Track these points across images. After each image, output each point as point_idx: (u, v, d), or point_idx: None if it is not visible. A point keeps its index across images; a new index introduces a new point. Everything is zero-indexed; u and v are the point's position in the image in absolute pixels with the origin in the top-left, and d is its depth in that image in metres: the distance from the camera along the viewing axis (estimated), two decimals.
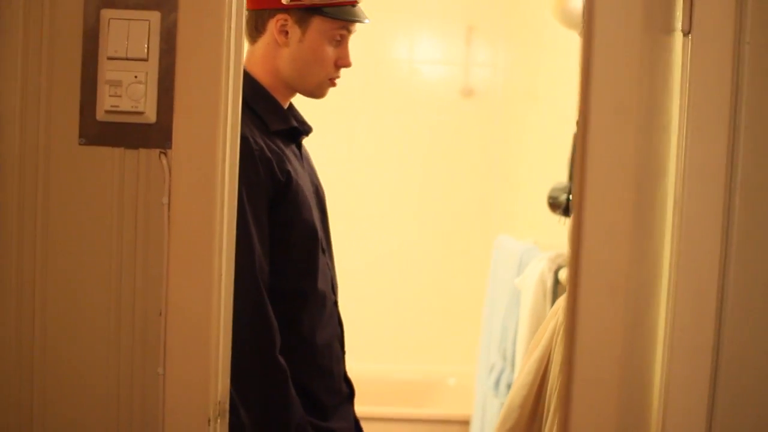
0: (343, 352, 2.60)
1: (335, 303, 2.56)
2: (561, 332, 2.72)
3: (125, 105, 1.69)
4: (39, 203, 1.73)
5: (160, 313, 1.74)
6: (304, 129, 2.51)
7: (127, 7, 1.71)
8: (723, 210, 1.63)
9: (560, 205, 3.65)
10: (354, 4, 2.44)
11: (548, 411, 2.72)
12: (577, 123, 1.69)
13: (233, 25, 1.74)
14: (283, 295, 2.34)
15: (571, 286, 1.65)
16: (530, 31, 5.17)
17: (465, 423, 4.63)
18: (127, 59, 1.70)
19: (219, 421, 1.79)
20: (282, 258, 2.35)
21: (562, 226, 3.64)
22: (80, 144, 1.71)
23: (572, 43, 4.21)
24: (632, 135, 1.60)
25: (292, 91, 2.48)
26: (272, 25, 2.39)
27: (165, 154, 1.71)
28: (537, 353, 2.80)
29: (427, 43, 5.45)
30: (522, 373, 2.82)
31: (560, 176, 4.05)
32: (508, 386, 3.87)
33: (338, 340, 2.57)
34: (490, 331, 4.31)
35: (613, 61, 1.62)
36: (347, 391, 2.58)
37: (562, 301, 2.84)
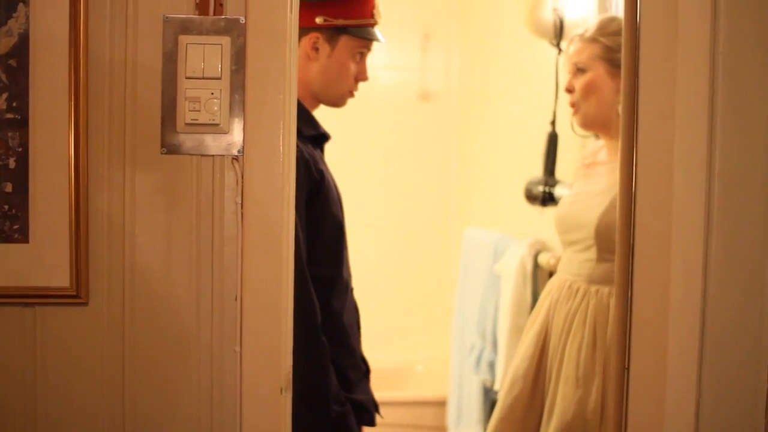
0: (360, 333, 2.87)
1: (353, 290, 2.84)
2: (557, 308, 3.00)
3: (204, 118, 1.89)
4: (126, 206, 1.91)
5: (236, 298, 1.93)
6: (328, 135, 2.79)
7: (200, 33, 1.89)
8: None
9: (537, 197, 3.93)
10: (374, 25, 2.72)
11: (550, 377, 2.99)
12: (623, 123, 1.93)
13: (292, 46, 1.96)
14: (315, 281, 2.58)
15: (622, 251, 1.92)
16: (483, 38, 5.36)
17: (439, 403, 4.90)
18: (203, 78, 1.90)
19: (287, 391, 1.98)
20: (315, 247, 2.60)
21: (540, 215, 3.93)
22: (162, 153, 1.91)
23: (522, 48, 4.50)
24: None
25: (318, 102, 2.76)
26: (305, 42, 2.66)
27: (237, 159, 1.91)
28: (535, 328, 3.07)
29: (385, 51, 5.63)
30: (522, 347, 3.09)
31: (516, 172, 4.33)
32: (489, 363, 4.14)
33: (356, 323, 2.84)
34: (465, 316, 4.57)
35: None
36: (365, 368, 2.86)
37: (553, 281, 3.12)
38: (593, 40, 3.02)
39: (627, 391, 1.86)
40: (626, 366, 1.85)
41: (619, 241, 1.92)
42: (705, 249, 1.92)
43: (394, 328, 5.69)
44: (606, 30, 3.02)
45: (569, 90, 3.10)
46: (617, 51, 2.93)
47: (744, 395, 1.96)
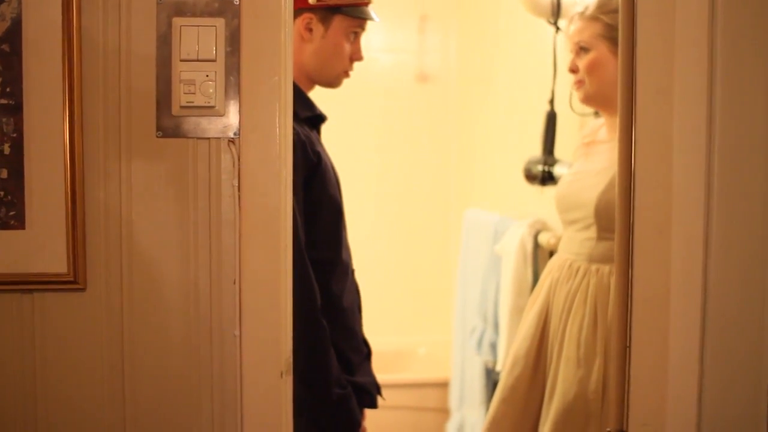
0: (361, 315, 2.86)
1: (353, 272, 2.83)
2: (557, 288, 3.00)
3: (199, 101, 1.88)
4: (123, 191, 1.90)
5: (235, 282, 1.92)
6: (324, 116, 2.77)
7: (194, 15, 1.89)
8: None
9: (536, 176, 3.92)
10: (367, 4, 2.71)
11: (551, 357, 2.99)
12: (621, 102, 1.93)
13: (287, 28, 1.94)
14: (314, 264, 2.57)
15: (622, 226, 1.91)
16: (480, 18, 5.36)
17: (442, 385, 4.91)
18: (198, 60, 1.89)
19: (288, 375, 1.98)
20: (313, 230, 2.59)
21: (540, 195, 3.92)
22: (157, 137, 1.89)
23: (519, 28, 4.48)
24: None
25: (313, 83, 2.74)
26: (298, 23, 2.64)
27: (233, 142, 1.90)
28: (536, 308, 3.06)
29: (382, 33, 5.64)
30: (523, 327, 3.09)
31: (515, 153, 4.33)
32: (491, 344, 4.14)
33: (357, 305, 2.83)
34: (466, 298, 4.57)
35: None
36: (366, 350, 2.85)
37: (554, 260, 3.12)
38: (594, 18, 3.01)
39: (628, 371, 1.85)
40: (628, 345, 1.84)
41: (618, 220, 1.91)
42: (705, 226, 1.91)
43: (396, 311, 5.71)
44: (606, 7, 3.00)
45: (573, 70, 3.09)
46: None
47: (747, 372, 1.96)
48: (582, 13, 3.07)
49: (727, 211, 1.91)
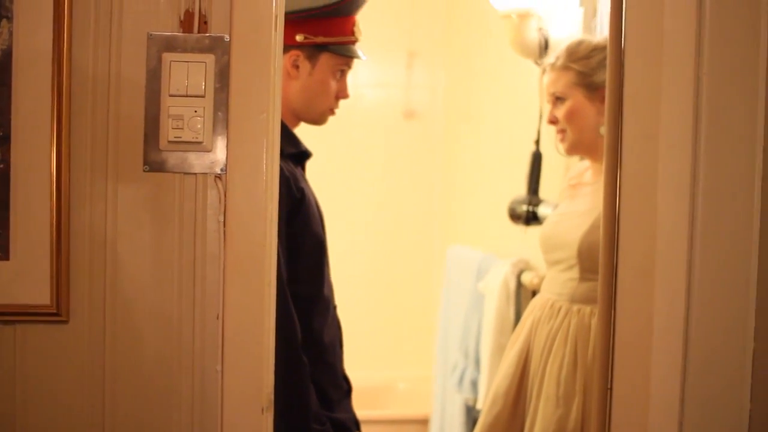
0: (342, 352, 2.86)
1: (335, 308, 2.83)
2: (539, 327, 3.01)
3: (187, 136, 1.88)
4: (108, 224, 1.90)
5: (218, 317, 1.92)
6: (309, 153, 2.78)
7: (185, 50, 1.89)
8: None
9: (520, 216, 3.94)
10: (354, 42, 2.72)
11: (531, 396, 3.00)
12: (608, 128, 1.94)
13: (276, 65, 1.94)
14: (295, 299, 2.57)
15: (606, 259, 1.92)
16: (468, 56, 5.38)
17: (422, 421, 4.90)
18: (187, 96, 1.89)
19: (269, 411, 1.97)
20: (295, 266, 2.59)
21: (524, 234, 3.93)
22: (144, 171, 1.90)
23: (507, 67, 4.51)
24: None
25: (298, 120, 2.75)
26: (285, 60, 2.65)
27: (220, 178, 1.90)
28: (517, 346, 3.08)
29: (370, 68, 5.65)
30: (504, 365, 3.10)
31: (500, 192, 4.34)
32: (472, 382, 4.15)
33: (338, 341, 2.84)
34: (448, 334, 4.58)
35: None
36: (346, 387, 2.85)
37: (536, 300, 3.14)
38: (565, 67, 3.05)
39: (610, 412, 1.85)
40: (609, 387, 1.85)
41: (602, 262, 1.92)
42: (688, 270, 1.92)
43: (378, 346, 5.70)
44: (576, 55, 3.04)
45: (552, 121, 3.13)
46: (591, 75, 2.97)
47: (727, 419, 1.96)
48: (553, 64, 3.11)
49: (710, 256, 1.92)
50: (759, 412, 2.03)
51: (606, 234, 1.92)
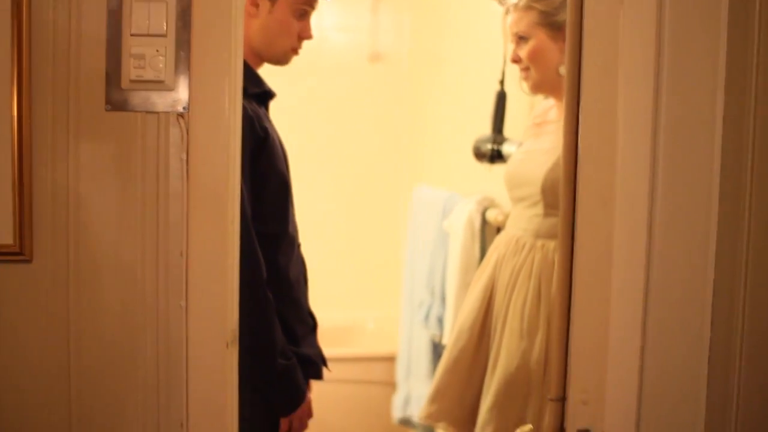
0: (307, 288, 2.89)
1: (299, 245, 2.85)
2: (503, 263, 3.05)
3: (149, 75, 1.89)
4: (70, 164, 1.91)
5: (182, 254, 1.94)
6: (272, 93, 2.78)
7: None
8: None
9: (485, 154, 3.96)
10: None
11: (495, 330, 3.04)
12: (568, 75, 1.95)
13: (238, 3, 1.95)
14: (260, 237, 2.59)
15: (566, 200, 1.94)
16: None
17: (389, 359, 4.95)
18: (148, 35, 1.90)
19: (233, 345, 2.00)
20: (260, 204, 2.60)
21: (489, 173, 3.96)
22: (107, 110, 1.90)
23: (471, 9, 4.51)
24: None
25: (261, 60, 2.75)
26: None
27: (182, 116, 1.91)
28: (482, 282, 3.11)
29: (335, 11, 5.62)
30: (469, 301, 3.13)
31: (465, 132, 4.35)
32: (438, 319, 4.19)
33: (303, 278, 2.86)
34: (414, 273, 4.61)
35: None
36: (312, 323, 2.88)
37: (501, 236, 3.17)
38: (528, 7, 3.06)
39: (569, 340, 1.88)
40: (569, 315, 1.87)
41: (563, 195, 1.93)
42: (650, 201, 1.94)
43: (346, 287, 5.74)
44: None
45: (515, 60, 3.14)
46: (554, 14, 2.98)
47: (689, 343, 2.00)
48: (516, 4, 3.12)
49: (672, 187, 1.94)
50: (719, 332, 2.07)
51: (566, 166, 1.93)
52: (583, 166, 1.92)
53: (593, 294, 1.88)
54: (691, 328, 2.02)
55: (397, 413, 4.68)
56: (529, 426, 1.88)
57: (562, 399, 1.80)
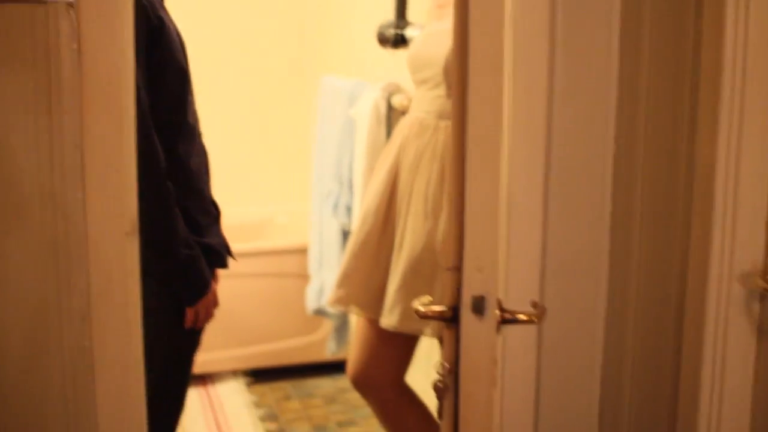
0: (209, 178, 2.87)
1: (200, 135, 2.83)
2: (407, 145, 3.06)
3: None
4: None
5: (77, 146, 1.91)
6: None
7: None
8: None
9: (389, 39, 3.96)
10: None
11: (400, 212, 3.05)
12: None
13: None
14: (159, 127, 2.57)
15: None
16: None
17: (301, 251, 4.97)
18: None
19: (133, 235, 2.00)
20: (158, 95, 2.57)
21: (393, 58, 3.96)
22: None
23: None
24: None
25: None
26: None
27: (72, 5, 1.86)
28: (386, 165, 3.12)
29: None
30: (374, 184, 3.14)
31: (369, 18, 4.34)
32: (346, 207, 4.22)
33: (205, 168, 2.84)
34: (322, 163, 4.62)
35: None
36: (215, 213, 2.87)
37: (405, 119, 3.17)
38: None
39: (463, 212, 1.88)
40: (463, 189, 1.87)
41: (456, 69, 1.93)
42: (549, 70, 1.95)
43: (254, 181, 5.73)
44: None
45: None
46: None
47: (590, 205, 2.02)
48: None
49: (570, 54, 1.94)
50: (618, 205, 2.11)
51: (457, 39, 1.92)
52: (474, 35, 1.90)
53: (486, 165, 1.88)
54: (593, 189, 2.06)
55: (311, 304, 4.72)
56: (429, 297, 1.88)
57: (459, 268, 1.82)
